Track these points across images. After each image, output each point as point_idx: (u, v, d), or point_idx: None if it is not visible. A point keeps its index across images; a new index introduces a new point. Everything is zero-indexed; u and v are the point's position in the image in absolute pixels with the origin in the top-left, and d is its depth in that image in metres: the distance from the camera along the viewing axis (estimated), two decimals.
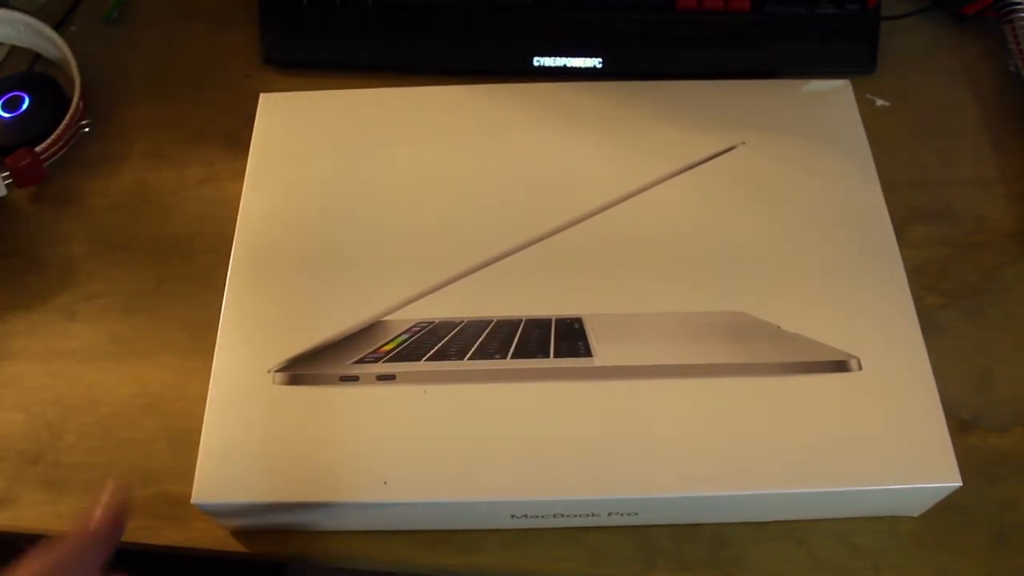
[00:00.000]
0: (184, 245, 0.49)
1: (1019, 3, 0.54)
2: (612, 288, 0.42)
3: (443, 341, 0.40)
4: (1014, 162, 0.51)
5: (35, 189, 0.52)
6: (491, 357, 0.40)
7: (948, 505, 0.39)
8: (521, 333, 0.41)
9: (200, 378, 0.40)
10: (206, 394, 0.40)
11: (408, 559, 0.40)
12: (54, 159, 0.52)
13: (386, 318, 0.42)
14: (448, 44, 0.55)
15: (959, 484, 0.37)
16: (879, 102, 0.53)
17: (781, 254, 0.43)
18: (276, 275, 0.43)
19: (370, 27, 0.55)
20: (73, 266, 0.49)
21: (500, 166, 0.47)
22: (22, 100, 0.53)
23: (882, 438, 0.38)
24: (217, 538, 0.41)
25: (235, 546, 0.41)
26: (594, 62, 0.54)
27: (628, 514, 0.39)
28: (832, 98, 0.49)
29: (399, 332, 0.41)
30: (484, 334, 0.41)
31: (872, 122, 0.48)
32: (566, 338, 0.40)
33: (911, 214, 0.48)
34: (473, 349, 0.40)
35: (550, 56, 0.54)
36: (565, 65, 0.54)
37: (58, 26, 0.58)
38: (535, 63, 0.54)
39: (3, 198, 0.50)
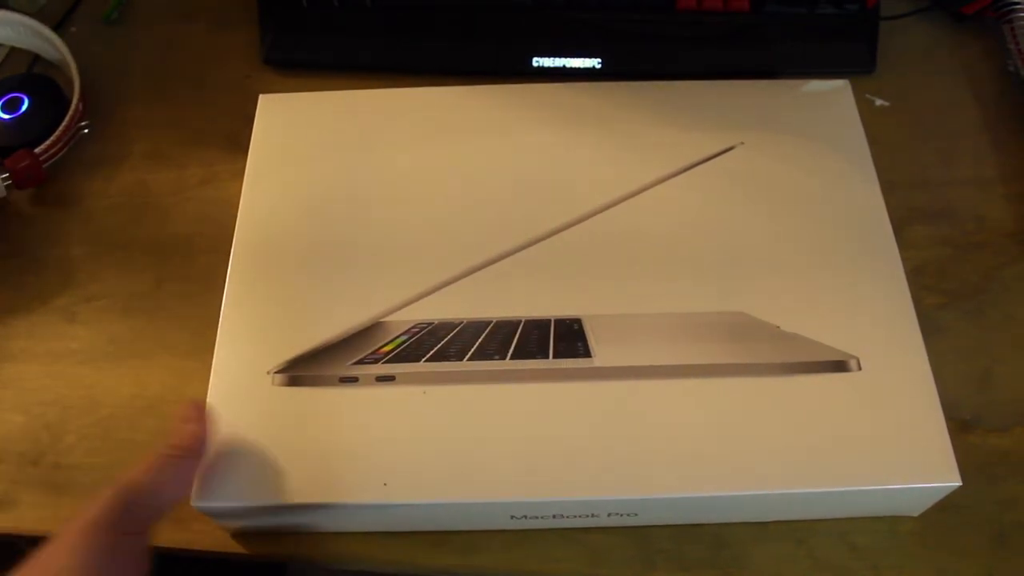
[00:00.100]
0: (184, 246, 0.49)
1: (1018, 3, 0.54)
2: (611, 288, 0.42)
3: (442, 342, 0.40)
4: (1014, 162, 0.51)
5: (35, 190, 0.52)
6: (490, 358, 0.40)
7: (948, 505, 0.39)
8: (520, 334, 0.41)
9: (200, 379, 0.40)
10: (206, 394, 0.40)
11: (408, 560, 0.40)
12: (53, 160, 0.52)
13: (385, 319, 0.42)
14: (447, 44, 0.55)
15: (959, 484, 0.37)
16: (878, 102, 0.53)
17: (780, 254, 0.43)
18: (275, 276, 0.43)
19: (369, 27, 0.55)
20: (73, 267, 0.49)
21: (499, 167, 0.47)
22: (21, 101, 0.53)
23: (882, 438, 0.38)
24: (217, 539, 0.41)
25: (235, 547, 0.41)
26: (593, 62, 0.54)
27: (628, 514, 0.39)
28: (831, 98, 0.49)
29: (398, 333, 0.41)
30: (483, 335, 0.41)
31: (872, 122, 0.48)
32: (565, 339, 0.40)
33: (911, 214, 0.48)
34: (472, 350, 0.40)
35: (549, 56, 0.54)
36: (564, 65, 0.54)
37: (57, 27, 0.58)
38: (534, 63, 0.54)
39: (2, 199, 0.50)
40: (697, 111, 0.49)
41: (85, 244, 0.50)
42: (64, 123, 0.52)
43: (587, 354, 0.40)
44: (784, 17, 0.54)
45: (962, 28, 0.57)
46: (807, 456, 0.37)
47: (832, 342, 0.40)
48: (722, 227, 0.44)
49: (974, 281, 0.47)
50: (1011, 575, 0.39)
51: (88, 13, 0.60)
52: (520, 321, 0.41)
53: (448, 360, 0.40)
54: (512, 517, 0.38)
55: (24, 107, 0.52)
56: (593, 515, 0.39)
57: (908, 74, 0.55)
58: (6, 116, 0.52)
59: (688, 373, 0.39)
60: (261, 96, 0.50)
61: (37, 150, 0.50)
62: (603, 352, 0.40)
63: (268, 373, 0.40)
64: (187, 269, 0.48)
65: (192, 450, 0.37)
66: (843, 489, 0.37)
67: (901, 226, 0.45)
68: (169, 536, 0.40)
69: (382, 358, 0.40)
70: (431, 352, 0.40)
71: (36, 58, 0.58)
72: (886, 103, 0.53)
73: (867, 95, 0.53)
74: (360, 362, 0.40)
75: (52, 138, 0.51)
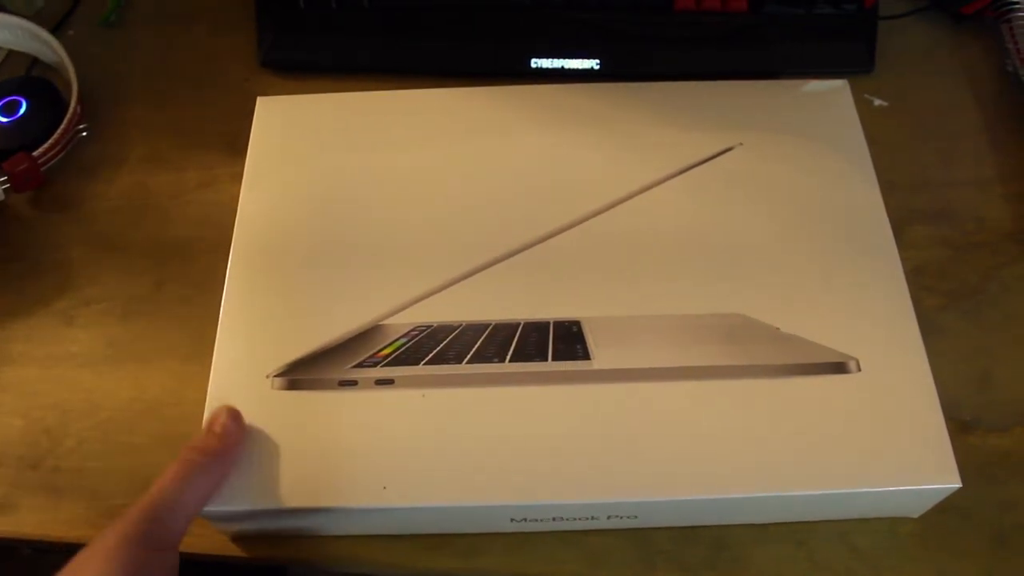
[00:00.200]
0: (183, 249, 0.49)
1: (1017, 3, 0.54)
2: (610, 290, 0.42)
3: (441, 345, 0.40)
4: (1013, 162, 0.51)
5: (33, 193, 0.52)
6: (490, 361, 0.40)
7: (948, 506, 0.39)
8: (519, 336, 0.41)
9: (199, 382, 0.40)
10: (205, 398, 0.40)
11: (409, 562, 0.40)
12: (52, 163, 0.52)
13: (384, 322, 0.42)
14: (445, 45, 0.55)
15: (959, 485, 0.37)
16: (877, 102, 0.53)
17: (779, 255, 0.43)
18: (274, 279, 0.43)
19: (367, 28, 0.55)
20: (72, 270, 0.49)
21: (498, 169, 0.47)
22: (19, 104, 0.53)
23: (882, 440, 0.38)
24: (216, 542, 0.41)
25: (234, 550, 0.41)
26: (592, 63, 0.54)
27: (628, 517, 0.39)
28: (830, 98, 0.49)
29: (397, 336, 0.41)
30: (482, 338, 0.41)
31: (871, 122, 0.48)
32: (564, 341, 0.40)
33: (910, 214, 0.48)
34: (471, 353, 0.40)
35: (548, 57, 0.54)
36: (563, 67, 0.54)
37: (55, 30, 0.58)
38: (533, 64, 0.54)
39: (1, 203, 0.50)
40: (696, 112, 0.49)
41: (84, 247, 0.49)
42: (62, 126, 0.52)
43: (586, 356, 0.40)
44: (783, 17, 0.54)
45: (961, 28, 0.57)
46: (807, 458, 0.37)
47: (831, 343, 0.40)
48: (721, 228, 0.44)
49: (974, 281, 0.47)
50: None
51: (86, 16, 0.60)
52: (519, 323, 0.41)
53: (447, 363, 0.40)
54: (512, 520, 0.38)
55: (22, 110, 0.52)
56: (593, 518, 0.38)
57: (907, 74, 0.55)
58: (4, 119, 0.52)
59: (687, 375, 0.39)
60: (259, 99, 0.50)
61: (35, 153, 0.50)
62: (602, 354, 0.40)
63: (267, 377, 0.40)
64: (186, 272, 0.48)
65: (217, 453, 0.36)
66: (843, 491, 0.37)
67: (900, 226, 0.45)
68: None
69: (381, 361, 0.40)
70: (430, 355, 0.40)
71: (34, 61, 0.58)
72: (885, 103, 0.53)
73: (866, 95, 0.53)
74: (359, 365, 0.40)
75: (50, 141, 0.51)
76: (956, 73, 0.55)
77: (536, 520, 0.39)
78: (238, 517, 0.38)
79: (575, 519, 0.39)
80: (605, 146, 0.48)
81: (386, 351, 0.40)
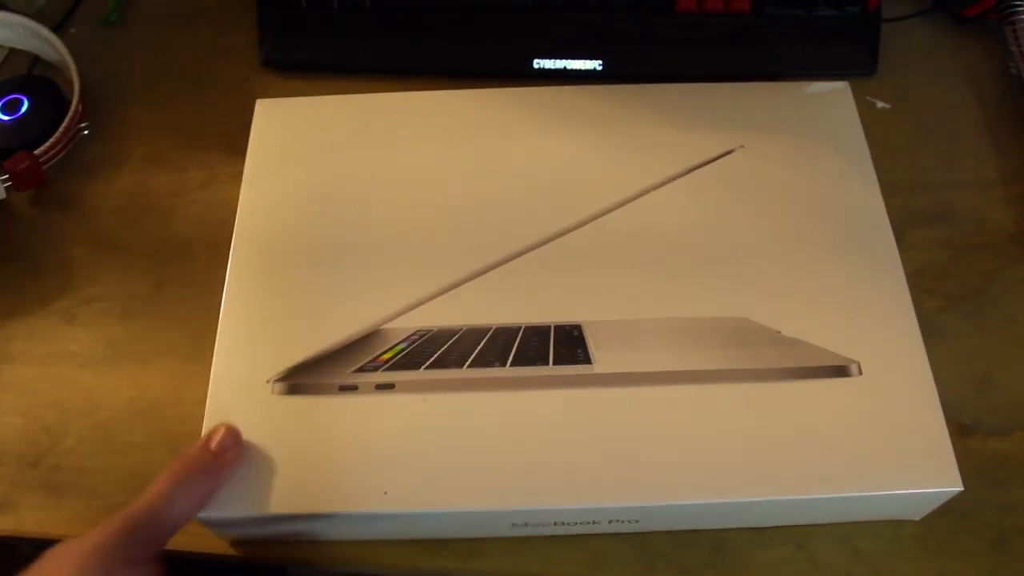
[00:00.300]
0: (184, 248, 0.49)
1: (1020, 5, 0.54)
2: (611, 293, 0.42)
3: (442, 349, 0.40)
4: (1015, 164, 0.51)
5: (34, 192, 0.51)
6: (490, 365, 0.39)
7: (949, 509, 0.39)
8: (520, 340, 0.41)
9: (199, 381, 0.40)
10: (205, 397, 0.40)
11: (410, 564, 0.40)
12: (53, 162, 0.52)
13: (385, 326, 0.41)
14: (447, 46, 0.55)
15: (960, 488, 0.37)
16: (879, 104, 0.53)
17: (780, 257, 0.43)
18: (274, 279, 0.43)
19: (369, 29, 0.55)
20: (72, 269, 0.49)
21: (499, 170, 0.47)
22: (21, 103, 0.53)
23: (883, 443, 0.38)
24: (216, 544, 0.41)
25: (234, 552, 0.41)
26: (594, 64, 0.54)
27: (630, 521, 0.39)
28: (831, 100, 0.49)
29: (398, 340, 0.41)
30: (483, 342, 0.41)
31: (873, 124, 0.48)
32: (565, 345, 0.40)
33: (912, 216, 0.48)
34: (472, 357, 0.40)
35: (550, 58, 0.54)
36: (565, 67, 0.54)
37: (57, 28, 0.58)
38: (535, 65, 0.54)
39: (2, 201, 0.50)
40: (697, 113, 0.49)
41: (85, 246, 0.49)
42: (64, 125, 0.52)
43: (587, 361, 0.40)
44: (785, 19, 0.53)
45: (964, 30, 0.57)
46: (808, 461, 0.37)
47: (832, 346, 0.40)
48: (721, 230, 0.44)
49: (975, 283, 0.47)
50: None
51: (87, 14, 0.60)
52: (520, 328, 0.41)
53: (448, 367, 0.39)
54: (513, 525, 0.38)
55: (24, 109, 0.52)
56: (594, 522, 0.38)
57: (909, 76, 0.54)
58: (6, 118, 0.52)
59: (688, 379, 0.39)
60: (258, 101, 0.50)
61: (37, 152, 0.50)
62: (603, 358, 0.40)
63: (267, 382, 0.40)
64: (187, 271, 0.48)
65: (209, 469, 0.36)
66: (844, 495, 0.37)
67: (902, 228, 0.45)
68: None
69: (382, 366, 0.40)
70: (431, 359, 0.40)
71: (36, 59, 0.58)
72: (887, 105, 0.53)
73: (868, 97, 0.53)
74: (360, 370, 0.40)
75: (52, 140, 0.51)
76: (958, 75, 0.55)
77: (537, 525, 0.39)
78: (237, 523, 0.38)
79: (576, 524, 0.39)
80: (607, 147, 0.48)
81: (387, 355, 0.40)
